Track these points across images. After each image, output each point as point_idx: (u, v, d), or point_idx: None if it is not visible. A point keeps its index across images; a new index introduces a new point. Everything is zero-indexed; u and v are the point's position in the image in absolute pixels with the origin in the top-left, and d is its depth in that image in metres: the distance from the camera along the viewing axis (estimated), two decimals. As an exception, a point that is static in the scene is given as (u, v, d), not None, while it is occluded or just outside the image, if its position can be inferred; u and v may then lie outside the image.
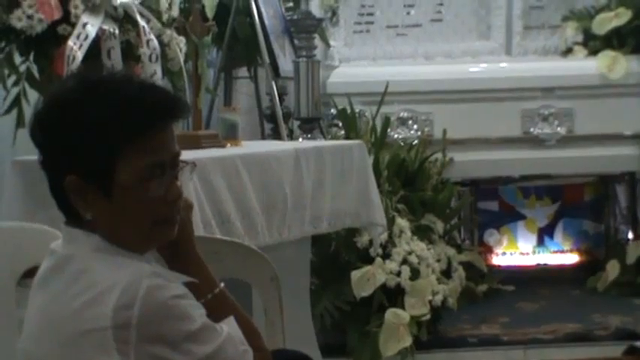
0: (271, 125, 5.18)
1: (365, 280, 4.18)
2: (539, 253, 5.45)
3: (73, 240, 1.85)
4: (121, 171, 1.77)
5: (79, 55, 3.92)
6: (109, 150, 1.77)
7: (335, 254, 4.26)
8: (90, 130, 1.77)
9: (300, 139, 4.54)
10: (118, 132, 1.77)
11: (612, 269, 5.04)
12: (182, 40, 4.47)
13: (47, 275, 1.88)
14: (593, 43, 5.30)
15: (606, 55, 5.15)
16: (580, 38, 5.42)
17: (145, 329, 1.72)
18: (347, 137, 4.64)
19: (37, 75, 4.07)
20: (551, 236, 5.45)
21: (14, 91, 3.98)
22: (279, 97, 4.88)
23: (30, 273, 2.75)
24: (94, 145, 1.77)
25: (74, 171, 1.79)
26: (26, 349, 1.87)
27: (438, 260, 4.49)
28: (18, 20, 3.85)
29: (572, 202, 5.46)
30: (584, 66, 5.19)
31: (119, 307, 1.71)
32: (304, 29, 4.77)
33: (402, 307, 4.17)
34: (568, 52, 5.48)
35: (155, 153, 1.80)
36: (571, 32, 5.46)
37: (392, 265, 4.22)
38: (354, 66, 5.32)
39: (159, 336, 1.73)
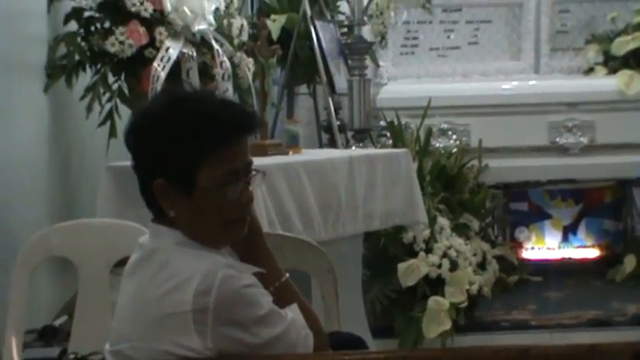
0: (328, 135, 5.19)
1: (410, 272, 4.18)
2: (564, 248, 5.40)
3: (159, 235, 1.86)
4: (202, 176, 1.79)
5: (163, 75, 3.95)
6: (192, 158, 1.79)
7: (384, 249, 4.26)
8: (176, 140, 1.80)
9: (354, 148, 4.55)
10: (201, 143, 1.79)
11: (629, 263, 4.99)
12: (251, 61, 4.50)
13: (136, 265, 1.90)
14: (613, 63, 5.27)
15: (624, 74, 5.11)
16: (600, 59, 5.39)
17: (220, 313, 1.73)
18: (394, 146, 4.64)
19: (127, 92, 4.11)
20: (574, 233, 5.41)
21: (107, 106, 4.03)
22: (335, 111, 4.89)
23: (121, 263, 2.78)
24: (179, 154, 1.79)
25: (162, 175, 1.81)
26: (117, 329, 1.89)
27: (474, 254, 4.47)
28: (111, 45, 3.90)
29: (594, 204, 5.41)
30: (604, 83, 5.16)
31: (198, 293, 1.72)
32: (357, 51, 4.77)
33: (443, 295, 4.16)
34: (590, 71, 5.45)
35: (232, 162, 1.81)
36: (592, 54, 5.43)
37: (434, 258, 4.22)
38: (400, 84, 5.32)
39: (232, 320, 1.74)
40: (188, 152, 1.79)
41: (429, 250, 4.24)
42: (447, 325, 4.08)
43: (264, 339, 1.77)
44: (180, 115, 1.81)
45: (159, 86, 3.95)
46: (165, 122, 1.82)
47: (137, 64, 4.00)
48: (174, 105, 1.85)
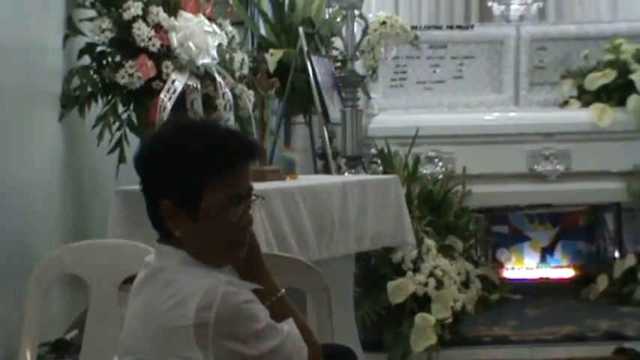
0: (322, 162, 5.20)
1: (399, 290, 4.17)
2: (541, 268, 5.41)
3: (165, 255, 1.87)
4: (206, 200, 1.80)
5: (169, 105, 3.96)
6: (197, 182, 1.79)
7: (374, 268, 4.25)
8: (183, 164, 1.80)
9: (346, 174, 4.55)
10: (205, 168, 1.80)
11: (602, 282, 4.99)
12: (251, 93, 4.51)
13: (142, 283, 1.90)
14: (586, 97, 5.29)
15: (596, 107, 5.13)
16: (575, 93, 5.41)
17: (221, 328, 1.74)
18: (384, 172, 4.64)
19: (135, 122, 4.12)
20: (551, 254, 5.41)
21: (117, 134, 4.03)
22: (329, 139, 4.90)
23: (129, 280, 2.78)
24: (185, 177, 1.80)
25: (169, 197, 1.81)
26: (125, 342, 1.89)
27: (459, 274, 4.46)
28: (122, 78, 3.91)
29: (569, 227, 5.42)
30: (578, 115, 5.17)
31: (199, 309, 1.73)
32: (350, 84, 4.79)
33: (429, 311, 4.14)
34: (565, 104, 5.47)
35: (234, 186, 1.82)
36: (567, 88, 5.45)
37: (421, 277, 4.20)
38: (390, 114, 5.33)
39: (232, 333, 1.75)
40: (193, 176, 1.79)
41: (416, 270, 4.23)
42: (433, 339, 4.06)
43: (262, 351, 1.77)
44: (186, 141, 1.82)
45: (165, 116, 3.95)
46: (172, 147, 1.82)
47: (145, 95, 4.01)
48: (181, 132, 1.85)
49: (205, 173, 1.80)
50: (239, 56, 4.53)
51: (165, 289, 1.80)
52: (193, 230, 1.82)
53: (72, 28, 4.11)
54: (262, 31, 5.72)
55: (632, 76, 5.14)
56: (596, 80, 5.23)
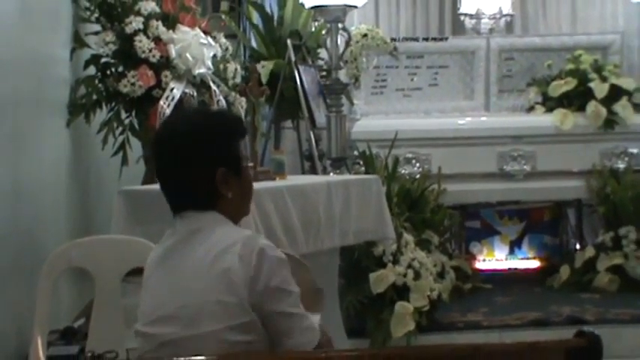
0: (309, 163, 5.19)
1: (380, 280, 4.17)
2: (510, 259, 5.41)
3: (197, 219, 1.90)
4: (241, 160, 1.96)
5: (168, 112, 3.95)
6: (236, 145, 1.95)
7: (357, 260, 4.25)
8: (224, 135, 1.94)
9: (331, 174, 4.55)
10: (237, 136, 1.98)
11: (564, 272, 5.01)
12: (243, 100, 4.51)
13: (171, 249, 1.91)
14: (550, 103, 5.31)
15: (559, 112, 5.15)
16: (540, 99, 5.42)
17: (258, 272, 1.78)
18: (366, 172, 4.64)
19: (137, 127, 4.11)
20: (519, 247, 5.42)
21: (120, 138, 4.02)
22: (315, 142, 4.90)
23: (131, 273, 2.77)
24: (229, 144, 1.94)
25: (222, 164, 1.90)
26: (155, 306, 1.88)
27: (435, 265, 4.47)
28: (124, 87, 3.90)
29: (535, 222, 5.43)
30: (543, 120, 5.19)
31: (241, 255, 1.78)
32: (334, 91, 4.79)
33: (408, 300, 4.15)
34: (531, 109, 5.48)
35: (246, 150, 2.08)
36: (533, 94, 5.47)
37: (400, 268, 4.21)
38: (371, 119, 5.33)
39: (267, 279, 1.79)
40: (233, 141, 1.95)
41: (396, 262, 4.24)
42: (412, 326, 4.07)
43: (289, 300, 1.82)
44: (216, 118, 2.01)
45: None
46: (211, 125, 1.95)
47: (146, 102, 4.00)
48: (205, 114, 2.09)
49: (237, 137, 1.97)
50: (232, 66, 4.52)
51: (207, 241, 1.84)
52: (238, 188, 1.93)
53: (78, 41, 4.09)
54: (253, 43, 5.71)
55: (591, 84, 5.16)
56: (558, 88, 5.25)
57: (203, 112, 2.17)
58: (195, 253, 1.84)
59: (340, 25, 4.71)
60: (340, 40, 4.82)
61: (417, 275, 4.22)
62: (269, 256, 1.81)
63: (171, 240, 1.94)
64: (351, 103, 5.48)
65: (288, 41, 5.01)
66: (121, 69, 3.98)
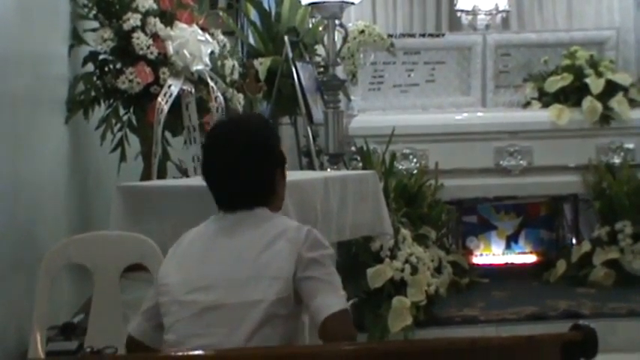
0: (307, 159, 5.20)
1: (377, 275, 4.18)
2: (507, 254, 5.42)
3: (259, 211, 2.07)
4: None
5: (166, 108, 3.95)
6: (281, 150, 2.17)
7: (355, 256, 4.26)
8: (278, 141, 2.17)
9: (329, 170, 4.54)
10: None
11: (561, 266, 5.02)
12: (241, 96, 4.51)
13: (227, 227, 2.06)
14: (546, 99, 5.30)
15: (555, 108, 5.15)
16: (536, 95, 5.42)
17: (304, 250, 1.97)
18: (364, 168, 4.64)
19: (135, 123, 4.11)
20: (516, 242, 5.43)
21: (119, 135, 4.02)
22: (313, 138, 4.90)
23: (129, 269, 2.78)
24: (280, 148, 2.16)
25: (278, 165, 2.12)
26: (199, 276, 1.98)
27: (432, 260, 4.47)
28: (122, 83, 3.90)
29: (532, 217, 5.44)
30: (540, 115, 5.19)
31: (292, 238, 1.98)
32: (331, 88, 4.78)
33: (405, 295, 4.15)
34: (527, 104, 5.48)
35: None
36: (529, 90, 5.46)
37: (397, 263, 4.21)
38: (368, 115, 5.32)
39: (310, 253, 1.97)
40: (280, 147, 2.17)
41: (393, 257, 4.24)
42: (409, 320, 4.07)
43: (333, 275, 1.99)
44: (270, 126, 2.27)
45: (162, 118, 3.94)
46: (270, 133, 2.16)
47: (144, 99, 4.00)
48: (266, 121, 2.34)
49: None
50: (230, 63, 4.52)
51: (259, 229, 2.02)
52: (282, 188, 2.15)
53: (77, 38, 4.09)
54: (251, 39, 5.71)
55: (587, 80, 5.16)
56: (554, 83, 5.25)
57: (258, 116, 2.51)
58: (249, 236, 2.00)
59: (337, 22, 4.70)
60: (337, 37, 4.81)
61: (415, 270, 4.23)
62: (315, 236, 2.02)
63: (220, 223, 2.08)
64: (349, 99, 5.48)
65: (286, 38, 5.01)
66: (119, 66, 3.97)
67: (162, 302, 2.02)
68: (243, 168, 2.05)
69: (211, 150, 2.12)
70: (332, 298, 1.95)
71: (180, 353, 1.70)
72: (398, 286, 4.19)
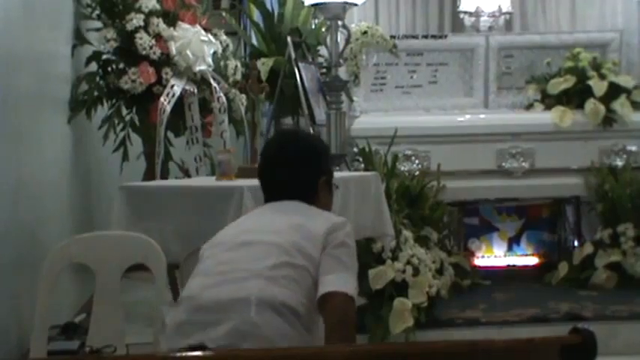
0: (309, 160, 5.18)
1: (379, 277, 4.18)
2: (509, 256, 5.41)
3: (301, 203, 2.32)
4: (332, 177, 2.45)
5: (168, 108, 3.96)
6: (331, 169, 2.48)
7: (356, 257, 4.25)
8: (328, 155, 2.50)
9: (331, 171, 4.54)
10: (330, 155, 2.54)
11: (563, 268, 5.01)
12: (243, 97, 4.52)
13: (272, 207, 2.34)
14: (548, 101, 5.30)
15: (558, 109, 5.14)
16: (539, 97, 5.41)
17: (334, 235, 2.16)
18: (366, 169, 4.65)
19: (137, 123, 4.12)
20: (518, 244, 5.42)
21: (121, 135, 4.03)
22: (315, 139, 4.89)
23: (131, 269, 2.78)
24: (329, 165, 2.47)
25: (324, 175, 2.40)
26: (260, 233, 2.19)
27: (434, 262, 4.47)
28: (125, 83, 3.91)
29: (534, 219, 5.43)
30: (542, 117, 5.18)
31: (330, 225, 2.19)
32: (334, 89, 4.79)
33: (407, 296, 4.15)
34: (530, 106, 5.47)
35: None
36: (532, 92, 5.46)
37: (399, 265, 4.21)
38: (371, 116, 5.32)
39: (338, 236, 2.17)
40: (330, 164, 2.49)
41: (395, 258, 4.24)
42: (410, 322, 4.07)
43: (354, 261, 2.19)
44: (325, 145, 2.61)
45: (165, 118, 3.95)
46: (323, 146, 2.53)
47: (146, 99, 4.01)
48: (321, 140, 2.75)
49: (332, 160, 2.53)
50: (232, 63, 4.53)
51: (299, 214, 2.25)
52: (326, 198, 2.40)
53: (80, 38, 4.10)
54: (254, 40, 5.72)
55: (590, 82, 5.16)
56: (557, 85, 5.25)
57: (318, 138, 2.93)
58: (290, 216, 2.23)
59: (340, 23, 4.71)
60: (340, 38, 4.82)
61: (416, 272, 4.22)
62: (348, 229, 2.22)
63: (263, 207, 2.38)
64: (351, 100, 5.48)
65: (288, 38, 5.01)
66: (121, 66, 3.99)
67: (200, 256, 2.22)
68: (294, 167, 2.35)
69: (273, 147, 2.46)
70: (343, 280, 2.08)
71: (179, 354, 1.70)
72: (399, 288, 4.19)
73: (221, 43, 4.46)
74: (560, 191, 5.18)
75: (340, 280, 2.07)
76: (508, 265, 5.39)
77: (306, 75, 4.93)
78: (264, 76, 4.90)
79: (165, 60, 4.04)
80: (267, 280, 2.01)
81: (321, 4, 4.63)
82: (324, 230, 2.16)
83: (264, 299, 1.96)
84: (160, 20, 4.05)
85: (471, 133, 5.09)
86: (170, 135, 4.26)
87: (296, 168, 2.35)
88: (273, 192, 2.37)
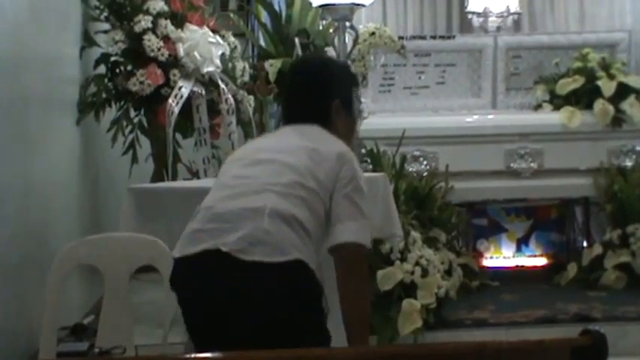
0: (317, 161, 5.17)
1: (387, 278, 4.17)
2: (517, 257, 5.40)
3: (317, 126, 2.35)
4: (353, 103, 2.47)
5: (176, 110, 3.97)
6: (351, 90, 2.47)
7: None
8: (347, 77, 2.52)
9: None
10: (354, 85, 2.55)
11: (572, 269, 5.00)
12: (251, 98, 4.52)
13: (284, 130, 2.42)
14: (557, 101, 5.28)
15: (566, 110, 5.13)
16: (547, 97, 5.40)
17: (344, 169, 2.23)
18: (374, 170, 4.64)
19: (146, 125, 4.13)
20: (526, 244, 5.41)
21: (130, 137, 4.04)
22: (323, 141, 4.88)
23: (140, 270, 2.79)
24: (348, 85, 2.47)
25: (338, 97, 2.40)
26: (270, 150, 2.30)
27: (442, 263, 4.46)
28: (133, 85, 3.92)
29: (542, 219, 5.41)
30: (551, 118, 5.17)
31: (345, 150, 2.29)
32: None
33: (415, 297, 4.14)
34: (538, 107, 5.46)
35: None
36: (540, 92, 5.45)
37: (407, 266, 4.21)
38: (379, 117, 5.31)
39: (348, 173, 2.24)
40: (350, 87, 2.47)
41: (403, 259, 4.23)
42: (419, 323, 4.06)
43: (364, 197, 2.27)
44: (344, 67, 2.64)
45: (173, 120, 3.96)
46: (341, 67, 2.59)
47: (155, 101, 4.02)
48: (338, 63, 2.72)
49: (353, 84, 2.53)
50: (240, 65, 4.53)
51: (311, 137, 2.30)
52: (345, 122, 2.42)
53: (88, 40, 4.11)
54: (261, 41, 5.72)
55: (598, 82, 5.14)
56: (566, 86, 5.24)
57: (333, 59, 2.90)
58: (305, 140, 2.27)
59: (348, 24, 4.70)
60: (348, 39, 4.81)
61: (425, 273, 4.22)
62: (359, 166, 2.30)
63: (279, 130, 2.51)
64: (359, 102, 5.47)
65: (296, 40, 5.01)
66: (130, 67, 4.00)
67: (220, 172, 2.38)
68: (305, 89, 2.39)
69: (291, 71, 2.59)
70: (356, 229, 2.17)
71: (179, 355, 1.71)
72: (408, 289, 4.18)
73: (229, 44, 4.47)
74: (569, 192, 5.16)
75: (353, 229, 2.17)
76: (517, 266, 5.37)
77: (313, 76, 4.91)
78: (272, 78, 4.90)
79: (173, 62, 4.04)
80: (279, 195, 2.11)
81: (329, 5, 4.62)
82: (335, 161, 2.22)
83: (276, 210, 2.07)
84: (168, 22, 4.05)
85: (479, 133, 5.08)
86: (178, 136, 4.27)
87: (307, 90, 2.40)
88: (289, 115, 2.44)
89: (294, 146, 2.27)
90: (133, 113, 4.09)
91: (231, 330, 1.99)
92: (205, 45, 4.14)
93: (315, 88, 2.40)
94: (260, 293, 1.99)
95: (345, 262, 2.17)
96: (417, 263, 4.23)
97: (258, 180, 2.16)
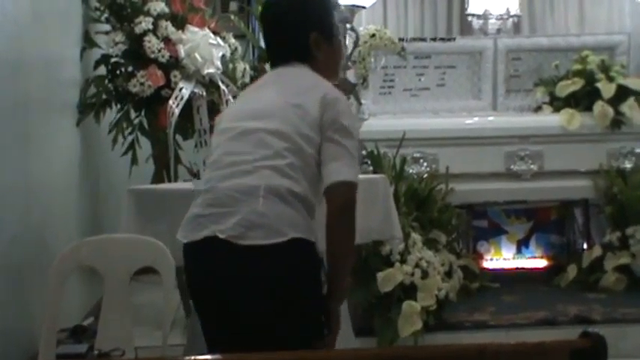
0: (318, 163, 5.17)
1: (387, 280, 4.17)
2: (517, 259, 5.39)
3: (299, 66, 2.30)
4: (335, 30, 2.35)
5: (177, 111, 3.96)
6: (332, 16, 2.35)
7: (365, 260, 4.25)
8: (325, 5, 2.35)
9: (339, 174, 4.52)
10: (334, 6, 2.39)
11: (572, 271, 4.99)
12: (252, 100, 4.49)
13: (270, 77, 2.36)
14: (557, 103, 5.28)
15: (566, 112, 5.13)
16: (547, 99, 5.40)
17: (332, 111, 2.22)
18: (374, 172, 4.63)
19: (146, 126, 4.12)
20: (526, 246, 5.40)
21: (130, 138, 4.04)
22: (324, 142, 4.88)
23: (140, 272, 2.78)
24: (327, 14, 2.34)
25: (316, 30, 2.30)
26: (257, 110, 2.25)
27: (442, 264, 4.46)
28: (133, 87, 3.91)
29: (542, 221, 5.41)
30: (550, 120, 5.17)
31: (327, 92, 2.23)
32: (342, 91, 4.76)
33: (415, 299, 4.14)
34: (538, 109, 5.46)
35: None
36: (540, 95, 5.45)
37: (407, 268, 4.20)
38: (379, 119, 5.32)
39: (337, 115, 2.23)
40: (330, 13, 2.35)
41: (403, 261, 4.23)
42: (419, 325, 4.06)
43: (353, 141, 2.25)
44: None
45: (174, 121, 3.95)
46: (320, 3, 2.36)
47: (155, 102, 4.02)
48: None
49: (330, 8, 2.36)
50: (241, 66, 4.53)
51: (305, 77, 2.27)
52: (327, 53, 2.32)
53: (88, 42, 4.11)
54: (262, 43, 5.71)
55: (598, 85, 5.14)
56: (565, 88, 5.24)
57: None
58: (288, 95, 2.22)
59: (348, 26, 4.70)
60: (348, 41, 4.81)
61: (425, 274, 4.22)
62: (341, 106, 2.23)
63: (263, 78, 2.37)
64: (359, 103, 5.46)
65: (297, 41, 5.01)
66: (130, 69, 3.99)
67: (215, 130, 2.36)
68: (279, 25, 2.30)
69: (261, 19, 2.42)
70: (348, 169, 2.18)
71: (179, 357, 1.71)
72: (408, 291, 4.18)
73: (229, 46, 4.46)
74: (569, 194, 5.16)
75: (336, 169, 2.17)
76: (517, 268, 5.37)
77: (314, 78, 4.91)
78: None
79: (174, 63, 4.04)
80: (272, 170, 2.12)
81: (329, 7, 4.62)
82: (317, 109, 2.19)
83: (270, 187, 2.09)
84: (169, 23, 4.05)
85: (479, 135, 5.08)
86: (179, 138, 4.27)
87: (279, 29, 2.32)
88: (270, 56, 2.37)
89: (276, 106, 2.21)
90: (133, 115, 4.09)
91: (237, 314, 2.04)
92: (206, 46, 4.14)
93: (287, 24, 2.30)
94: (259, 277, 2.03)
95: (333, 204, 2.18)
96: (417, 265, 4.22)
97: (250, 156, 2.15)
